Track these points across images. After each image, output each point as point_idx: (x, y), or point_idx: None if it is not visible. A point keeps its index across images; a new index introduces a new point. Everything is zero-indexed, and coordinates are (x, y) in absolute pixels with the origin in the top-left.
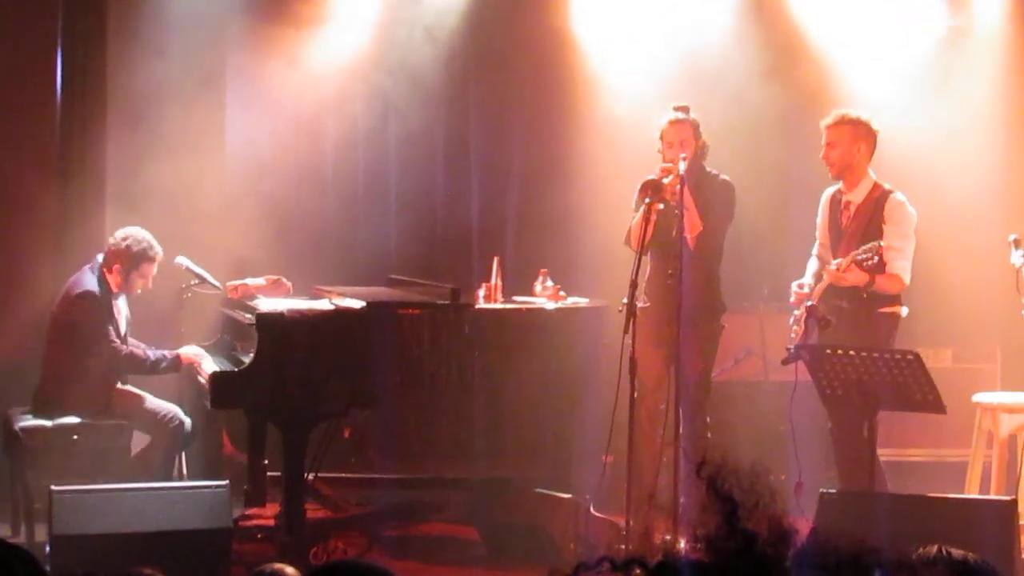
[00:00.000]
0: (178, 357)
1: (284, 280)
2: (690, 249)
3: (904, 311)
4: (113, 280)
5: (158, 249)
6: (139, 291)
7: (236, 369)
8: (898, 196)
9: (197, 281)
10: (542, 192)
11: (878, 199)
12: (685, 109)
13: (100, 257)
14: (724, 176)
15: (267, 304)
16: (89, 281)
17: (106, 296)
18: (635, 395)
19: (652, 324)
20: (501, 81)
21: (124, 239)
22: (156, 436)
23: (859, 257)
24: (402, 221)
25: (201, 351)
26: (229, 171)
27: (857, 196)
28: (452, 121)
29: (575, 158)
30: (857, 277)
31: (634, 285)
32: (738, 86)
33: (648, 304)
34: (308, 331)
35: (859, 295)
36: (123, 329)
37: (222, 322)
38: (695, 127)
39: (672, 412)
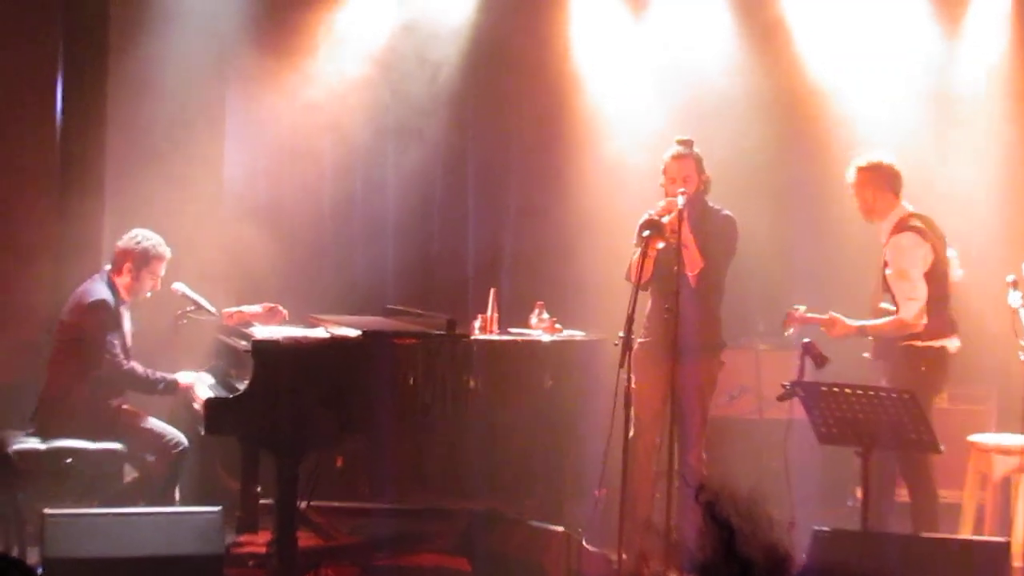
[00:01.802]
0: (176, 382)
1: (280, 308)
2: (690, 286)
3: (948, 344)
4: (123, 284)
5: (167, 248)
6: (149, 294)
7: (230, 396)
8: (897, 238)
9: (193, 307)
10: (539, 224)
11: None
12: (688, 143)
13: (107, 266)
14: (727, 212)
15: (263, 332)
16: (101, 290)
17: (117, 305)
18: (630, 429)
19: (651, 359)
20: (499, 112)
21: (133, 238)
22: (159, 459)
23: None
24: (399, 251)
25: (197, 375)
26: (227, 200)
27: (884, 237)
28: (450, 152)
29: (573, 190)
30: (843, 328)
31: (630, 319)
32: (740, 119)
33: (648, 339)
34: (303, 359)
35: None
36: (128, 342)
37: (217, 349)
38: (698, 162)
39: (668, 446)
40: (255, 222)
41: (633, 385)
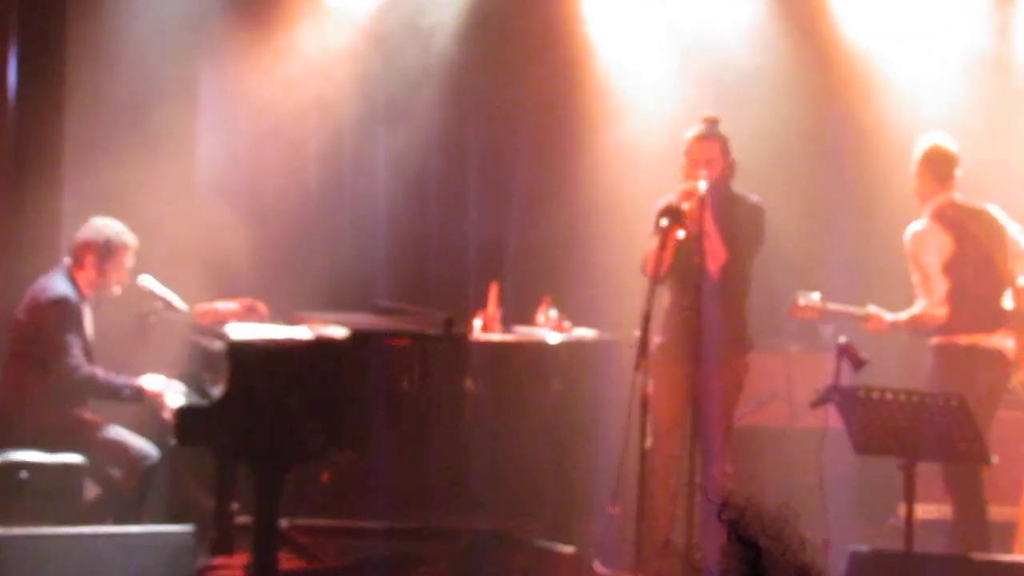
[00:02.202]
0: (142, 388)
1: (259, 304)
2: (713, 280)
3: (987, 341)
4: (85, 279)
5: (132, 236)
6: (117, 289)
7: (204, 403)
8: (913, 225)
9: (162, 304)
10: (546, 212)
11: None
12: (714, 122)
13: (67, 260)
14: (754, 198)
15: (240, 331)
16: (60, 285)
17: (78, 303)
18: (646, 439)
19: (669, 362)
20: (502, 88)
21: (93, 227)
22: (125, 473)
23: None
24: (391, 242)
25: (167, 382)
26: (200, 186)
27: None
28: (447, 133)
29: (584, 175)
30: (878, 324)
31: (647, 317)
32: (767, 99)
33: (665, 339)
34: (285, 362)
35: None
36: (90, 343)
37: (189, 350)
38: (724, 143)
39: (688, 458)
40: (231, 210)
41: (650, 390)
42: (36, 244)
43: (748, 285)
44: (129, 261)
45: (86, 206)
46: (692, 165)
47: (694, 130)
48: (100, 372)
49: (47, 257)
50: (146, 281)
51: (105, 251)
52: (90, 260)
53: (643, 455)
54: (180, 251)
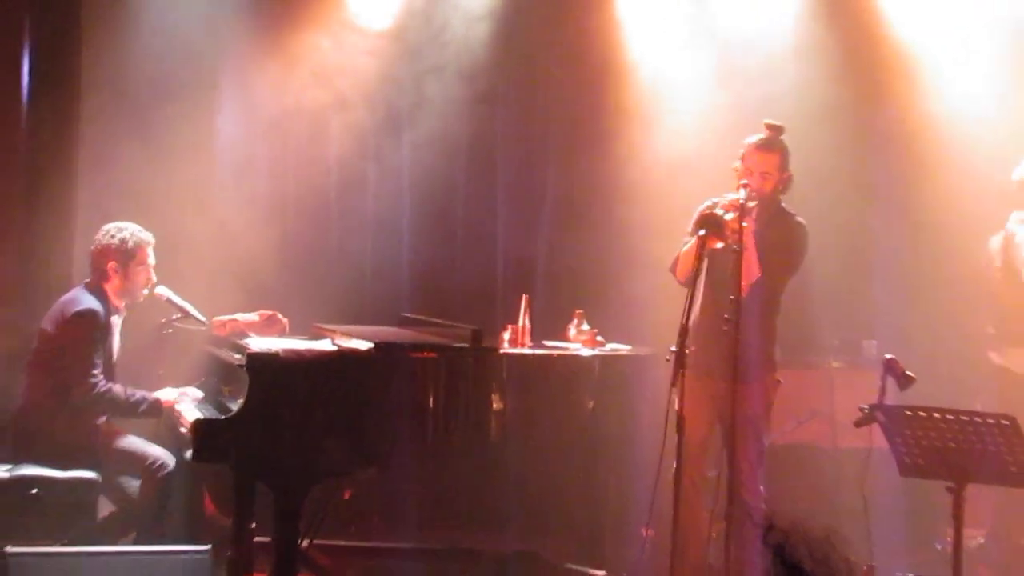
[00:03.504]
0: (159, 401)
1: (279, 316)
2: (742, 295)
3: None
4: (113, 288)
5: (148, 233)
6: (145, 291)
7: (222, 417)
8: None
9: (179, 315)
10: (579, 222)
11: None
12: (777, 131)
13: (86, 280)
14: (799, 219)
15: (259, 343)
16: (88, 299)
17: (107, 316)
18: (681, 457)
19: (697, 375)
20: (534, 91)
21: (106, 233)
22: (143, 484)
23: None
24: (417, 251)
25: (183, 394)
26: (218, 191)
27: None
28: (477, 137)
29: (618, 184)
30: None
31: (684, 330)
32: (814, 108)
33: (693, 351)
34: (306, 375)
35: None
36: (115, 357)
37: (207, 363)
38: (783, 156)
39: (722, 479)
40: (251, 216)
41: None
42: (50, 247)
43: (778, 304)
44: (151, 258)
45: (101, 210)
46: (746, 173)
47: (756, 137)
48: (119, 389)
49: (61, 261)
50: (163, 291)
51: (125, 254)
52: (112, 267)
53: (677, 476)
54: (198, 260)
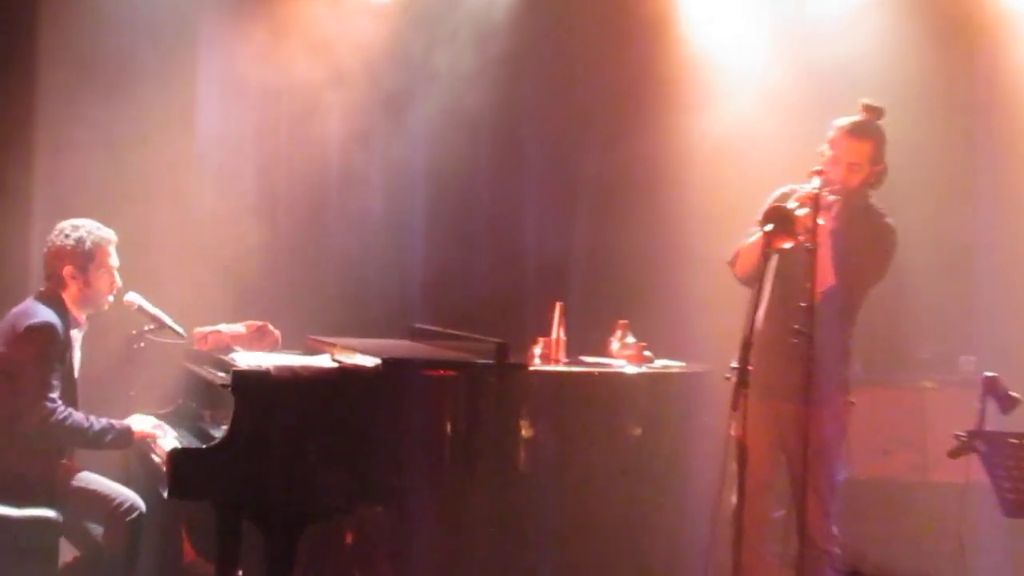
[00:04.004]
0: (128, 430)
1: (270, 327)
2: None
3: None
4: (70, 296)
5: (108, 230)
6: (110, 298)
7: (204, 446)
8: None
9: (152, 326)
10: (621, 218)
11: None
12: (875, 114)
13: (40, 289)
14: (889, 219)
15: (247, 359)
16: (42, 310)
17: (66, 330)
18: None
19: (758, 395)
20: (571, 65)
21: (60, 232)
22: (108, 530)
23: None
24: (431, 250)
25: (157, 422)
26: (198, 182)
27: None
28: (501, 121)
29: (666, 173)
30: None
31: (748, 344)
32: (899, 90)
33: (754, 366)
34: (301, 396)
35: None
36: (76, 376)
37: (186, 382)
38: (878, 146)
39: (791, 520)
40: (237, 209)
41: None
42: (2, 248)
43: (855, 317)
44: (114, 259)
45: (61, 203)
46: (832, 162)
47: (848, 121)
48: (80, 416)
49: (14, 265)
50: (133, 298)
51: (82, 256)
52: (69, 272)
53: (738, 514)
54: (174, 262)
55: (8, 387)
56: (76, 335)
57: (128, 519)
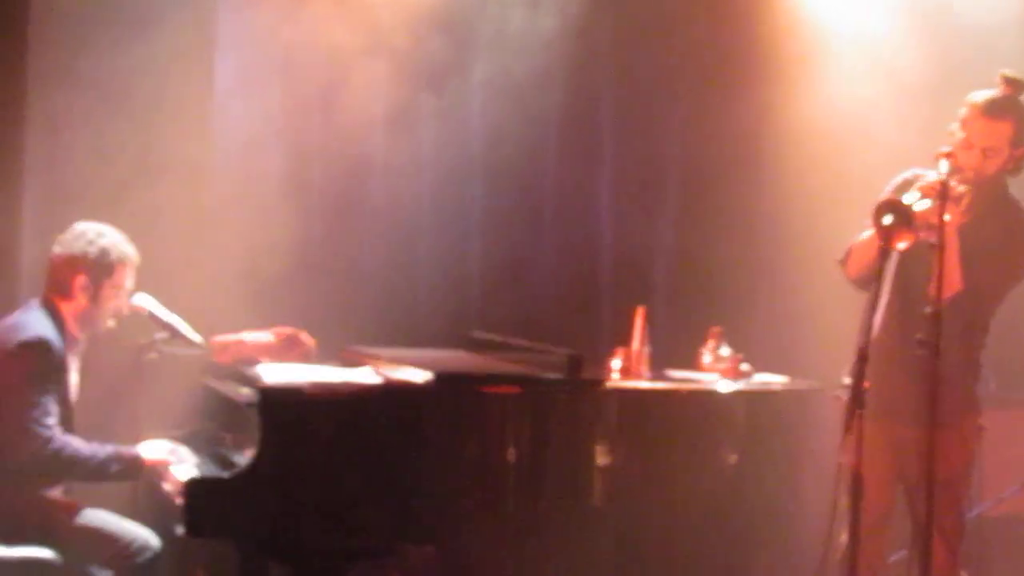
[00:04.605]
0: (138, 458)
1: (302, 336)
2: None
3: None
4: (73, 311)
5: (132, 248)
6: (111, 322)
7: (225, 475)
8: None
9: (166, 335)
10: (714, 205)
11: None
12: (1017, 88)
13: (35, 299)
14: None
15: (275, 374)
16: (38, 323)
17: (63, 348)
18: (858, 533)
19: (873, 416)
20: (652, 38)
21: (81, 236)
22: (114, 573)
23: None
24: (491, 247)
25: (173, 446)
26: (216, 165)
27: None
28: (573, 101)
29: (769, 153)
30: None
31: (864, 356)
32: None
33: (868, 383)
34: (339, 417)
35: None
36: (73, 399)
37: (204, 401)
38: (1019, 126)
39: (914, 563)
40: (263, 197)
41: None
42: None
43: (987, 326)
44: (130, 282)
45: (57, 200)
46: (965, 147)
47: (983, 97)
48: (78, 444)
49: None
50: (144, 301)
51: (101, 269)
52: (80, 283)
53: (852, 553)
54: (190, 259)
55: None
56: (71, 355)
57: (139, 561)
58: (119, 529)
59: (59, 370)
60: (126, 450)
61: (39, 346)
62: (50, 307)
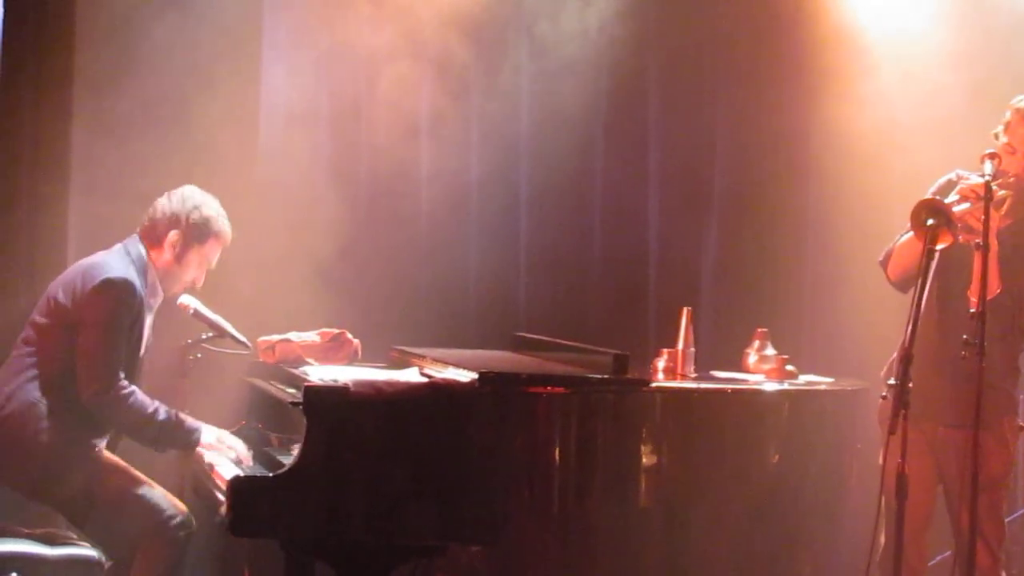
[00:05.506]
0: (197, 431)
1: (348, 336)
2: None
3: None
4: (159, 259)
5: (229, 225)
6: (186, 288)
7: (270, 474)
8: None
9: (211, 334)
10: (760, 207)
11: None
12: None
13: (136, 237)
14: None
15: (321, 373)
16: (122, 266)
17: (143, 297)
18: (900, 536)
19: (913, 418)
20: (702, 38)
21: (188, 199)
22: (153, 541)
23: None
24: (536, 247)
25: (222, 434)
26: (264, 165)
27: None
28: (618, 99)
29: (814, 155)
30: None
31: (908, 357)
32: None
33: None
34: (385, 417)
35: None
36: (140, 353)
37: (249, 400)
38: None
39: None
40: (309, 195)
41: (881, 461)
42: (37, 249)
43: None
44: (215, 258)
45: (96, 194)
46: (1007, 151)
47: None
48: (143, 398)
49: (51, 231)
50: (188, 301)
51: (199, 233)
52: (172, 239)
53: (896, 559)
54: (235, 258)
55: (64, 349)
56: (149, 307)
57: (178, 535)
58: (163, 502)
59: (138, 317)
60: (190, 420)
61: (124, 286)
62: (141, 255)
